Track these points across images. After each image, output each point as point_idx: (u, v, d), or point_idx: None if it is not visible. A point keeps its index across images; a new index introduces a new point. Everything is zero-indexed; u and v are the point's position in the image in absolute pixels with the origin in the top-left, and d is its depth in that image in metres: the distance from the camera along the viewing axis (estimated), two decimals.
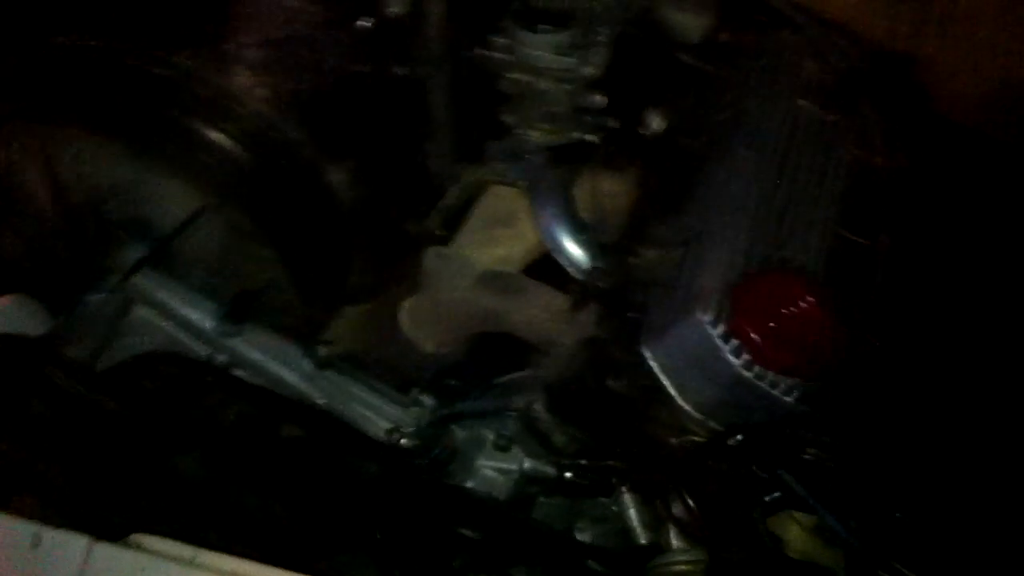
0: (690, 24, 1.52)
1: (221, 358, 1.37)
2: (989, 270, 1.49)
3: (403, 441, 1.35)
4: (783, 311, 1.17)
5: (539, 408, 1.29)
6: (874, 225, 1.38)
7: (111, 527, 1.03)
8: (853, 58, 1.48)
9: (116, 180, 1.35)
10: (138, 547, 1.00)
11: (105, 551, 1.00)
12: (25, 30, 1.36)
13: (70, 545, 1.00)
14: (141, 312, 1.36)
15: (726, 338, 1.14)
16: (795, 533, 1.23)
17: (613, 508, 1.24)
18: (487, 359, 1.43)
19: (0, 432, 1.28)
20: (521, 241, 1.40)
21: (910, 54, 1.58)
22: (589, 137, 1.37)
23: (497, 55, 1.32)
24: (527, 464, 1.28)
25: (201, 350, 1.37)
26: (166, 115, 1.29)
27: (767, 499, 1.12)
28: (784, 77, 1.40)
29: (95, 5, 1.35)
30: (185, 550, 0.99)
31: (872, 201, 1.38)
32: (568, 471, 1.26)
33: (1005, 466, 1.30)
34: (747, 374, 1.14)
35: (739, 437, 1.13)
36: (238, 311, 1.35)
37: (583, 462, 1.26)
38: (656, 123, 1.44)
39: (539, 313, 1.32)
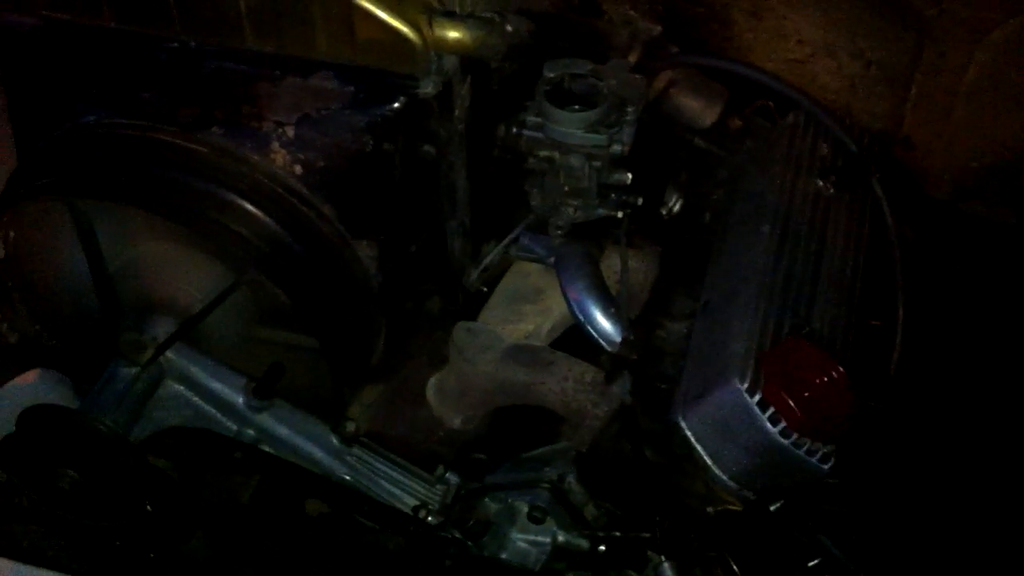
0: (702, 110, 1.59)
1: (249, 433, 1.37)
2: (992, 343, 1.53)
3: (429, 519, 1.35)
4: (815, 380, 1.19)
5: (571, 480, 1.29)
6: (890, 298, 1.42)
7: None
8: (861, 139, 1.54)
9: (151, 253, 1.36)
10: None
11: None
12: (59, 108, 1.39)
13: None
14: (171, 386, 1.36)
15: (763, 406, 1.16)
16: None
17: None
18: (515, 433, 1.44)
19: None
20: (547, 316, 1.42)
21: (896, 135, 1.65)
22: (614, 213, 1.40)
23: (527, 133, 1.36)
24: (561, 537, 1.28)
25: (230, 424, 1.37)
26: (202, 189, 1.31)
27: (809, 565, 1.13)
28: (801, 158, 1.45)
29: (129, 86, 1.38)
30: None
31: (887, 274, 1.43)
32: (602, 544, 1.26)
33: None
34: (784, 441, 1.16)
35: (780, 503, 1.14)
36: (266, 387, 1.36)
37: (617, 534, 1.26)
38: (675, 202, 1.49)
39: (570, 385, 1.34)
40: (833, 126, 1.53)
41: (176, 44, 1.37)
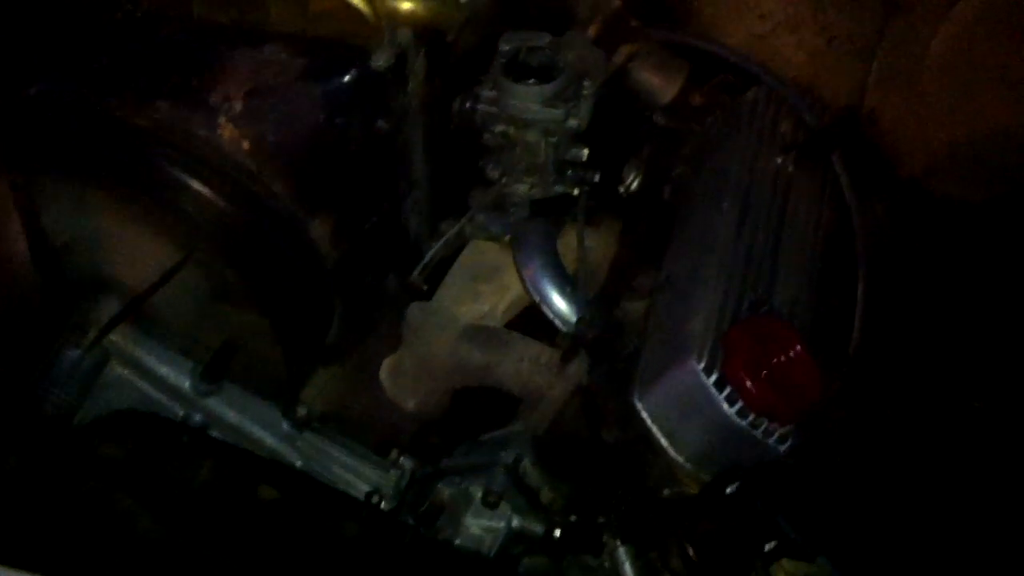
0: (663, 85, 1.56)
1: (197, 417, 1.34)
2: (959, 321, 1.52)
3: (383, 504, 1.32)
4: (775, 359, 1.17)
5: (527, 463, 1.27)
6: (852, 276, 1.40)
7: None
8: (823, 115, 1.52)
9: (96, 230, 1.32)
10: None
11: None
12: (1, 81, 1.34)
13: None
14: (117, 369, 1.33)
15: (720, 385, 1.14)
16: None
17: (605, 564, 1.22)
18: (471, 415, 1.42)
19: None
20: (504, 295, 1.39)
21: (859, 110, 1.63)
22: (571, 190, 1.38)
23: (483, 107, 1.33)
24: (515, 521, 1.25)
25: (177, 409, 1.33)
26: (147, 164, 1.27)
27: (766, 548, 1.11)
28: (761, 134, 1.43)
29: (74, 55, 1.34)
30: None
31: (849, 253, 1.41)
32: (557, 527, 1.24)
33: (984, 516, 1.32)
34: (741, 422, 1.14)
35: (736, 484, 1.12)
36: (215, 369, 1.32)
37: (572, 518, 1.24)
38: (634, 178, 1.46)
39: (526, 366, 1.31)
40: (795, 102, 1.50)
41: (124, 13, 1.33)
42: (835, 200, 1.47)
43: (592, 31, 1.49)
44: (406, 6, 1.29)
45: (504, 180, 1.38)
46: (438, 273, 1.43)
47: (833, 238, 1.43)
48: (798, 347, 1.18)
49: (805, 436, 1.19)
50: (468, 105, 1.34)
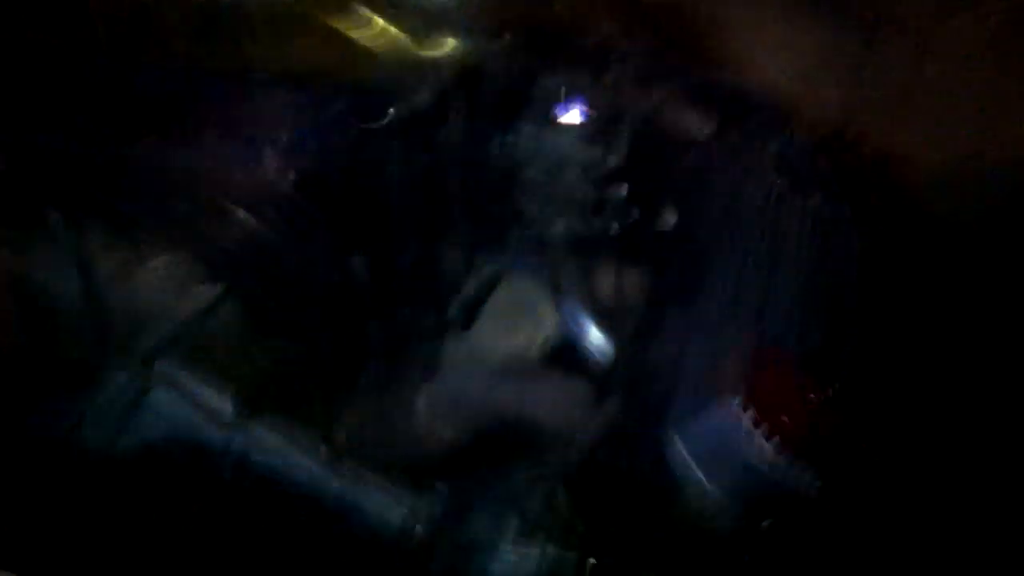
0: (696, 123, 1.57)
1: (237, 443, 1.36)
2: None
3: (418, 528, 1.34)
4: (802, 396, 1.19)
5: (561, 495, 1.28)
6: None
7: None
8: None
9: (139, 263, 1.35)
10: None
11: None
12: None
13: None
14: (159, 396, 1.35)
15: (757, 422, 1.15)
16: None
17: None
18: (505, 447, 1.43)
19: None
20: (539, 331, 1.41)
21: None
22: (609, 228, 1.39)
23: (521, 146, 1.35)
24: (550, 551, 1.27)
25: (218, 435, 1.35)
26: (190, 199, 1.30)
27: None
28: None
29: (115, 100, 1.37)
30: None
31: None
32: (593, 557, 1.25)
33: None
34: (778, 458, 1.15)
35: (771, 521, 1.13)
36: (256, 396, 1.35)
37: (607, 551, 1.25)
38: (669, 216, 1.48)
39: (561, 400, 1.33)
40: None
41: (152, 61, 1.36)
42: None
43: (626, 72, 1.52)
44: (446, 46, 1.32)
45: (542, 217, 1.39)
46: (476, 308, 1.45)
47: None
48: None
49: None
50: (507, 143, 1.37)
